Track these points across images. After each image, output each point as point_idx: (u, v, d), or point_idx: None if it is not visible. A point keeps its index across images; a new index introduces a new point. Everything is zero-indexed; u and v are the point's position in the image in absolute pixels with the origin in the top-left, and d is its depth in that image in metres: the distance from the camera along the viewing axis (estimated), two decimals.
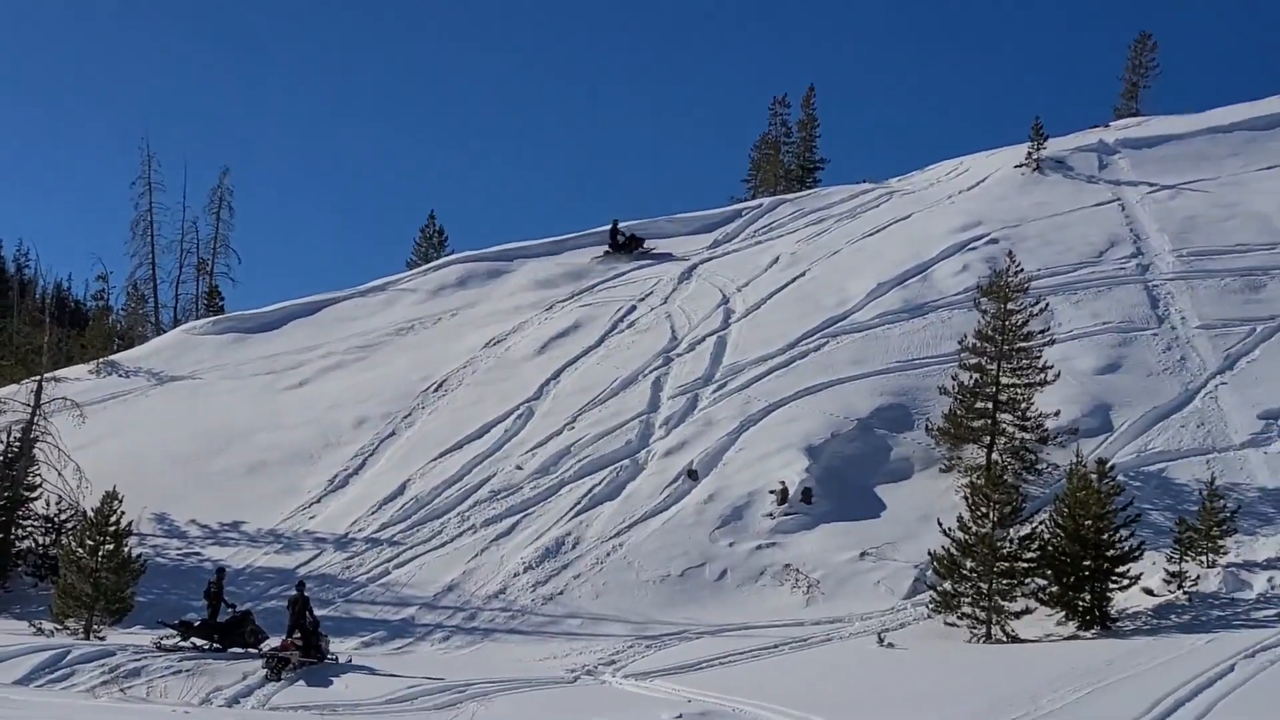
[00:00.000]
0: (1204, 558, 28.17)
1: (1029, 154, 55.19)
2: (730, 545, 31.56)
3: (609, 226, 52.44)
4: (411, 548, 32.37)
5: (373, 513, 33.92)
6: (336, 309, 49.60)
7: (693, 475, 34.06)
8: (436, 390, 40.78)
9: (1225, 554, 28.36)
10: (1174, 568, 27.60)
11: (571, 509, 33.26)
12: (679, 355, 40.98)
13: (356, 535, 33.06)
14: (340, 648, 26.42)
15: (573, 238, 54.50)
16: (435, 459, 36.14)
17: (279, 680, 24.27)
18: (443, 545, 32.43)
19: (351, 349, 45.44)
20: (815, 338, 40.78)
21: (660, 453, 35.37)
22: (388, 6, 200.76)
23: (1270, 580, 27.33)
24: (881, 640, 26.27)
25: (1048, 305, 36.96)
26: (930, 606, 27.38)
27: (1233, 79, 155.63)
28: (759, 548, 31.46)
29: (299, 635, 25.18)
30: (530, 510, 33.51)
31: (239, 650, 25.88)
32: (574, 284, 49.17)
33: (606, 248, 51.68)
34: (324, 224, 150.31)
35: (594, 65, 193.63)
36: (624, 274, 49.42)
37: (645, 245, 51.79)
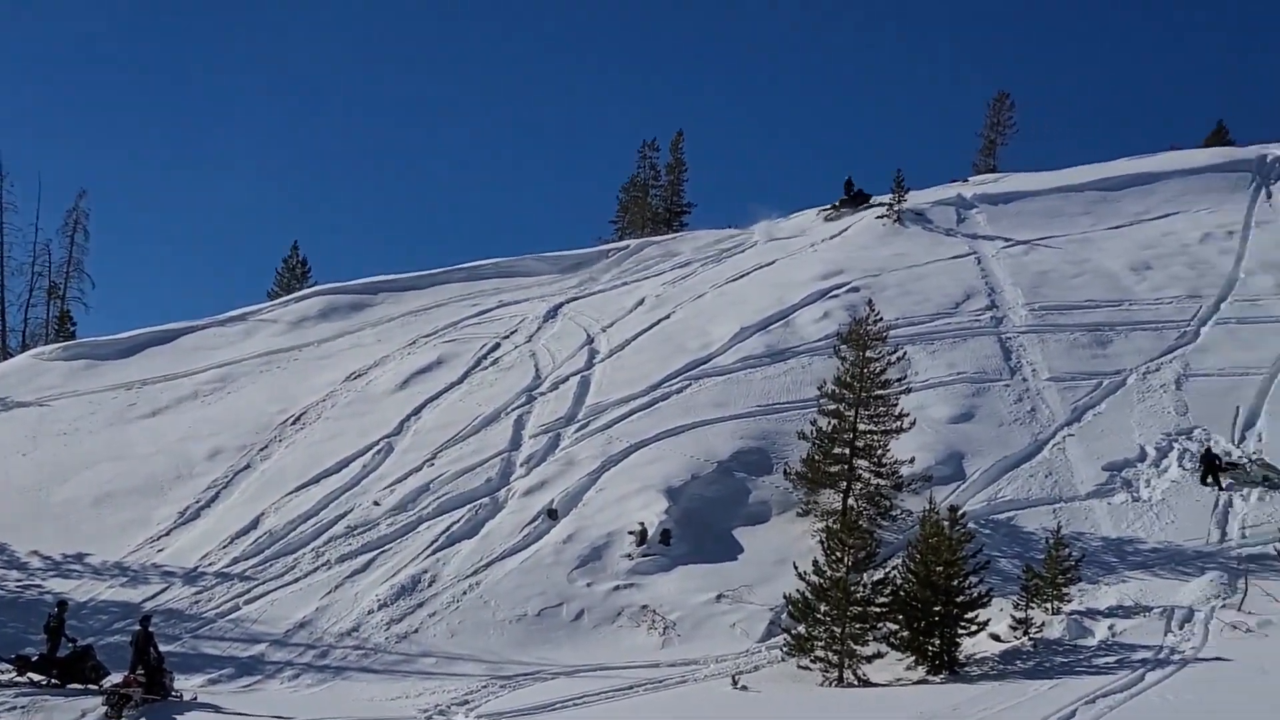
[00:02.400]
0: (1049, 605, 28.81)
1: (890, 206, 56.36)
2: (588, 585, 31.45)
3: (471, 263, 52.97)
4: (263, 583, 31.68)
5: (224, 547, 33.14)
6: (194, 338, 48.59)
7: (552, 515, 33.93)
8: (294, 423, 40.11)
9: (1069, 601, 29.05)
10: (1020, 614, 28.18)
11: (429, 546, 32.87)
12: (542, 394, 40.87)
13: (206, 569, 32.25)
14: (185, 685, 25.72)
15: (439, 273, 54.28)
16: (291, 493, 35.48)
17: (120, 718, 23.52)
18: (296, 581, 31.78)
19: (208, 379, 44.51)
20: (678, 380, 41.00)
21: (520, 491, 35.18)
22: (261, 27, 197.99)
23: (1111, 628, 28.04)
24: (735, 683, 26.37)
25: (905, 354, 37.74)
26: (784, 649, 27.56)
27: (1086, 140, 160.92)
28: (617, 588, 31.40)
29: (142, 671, 24.47)
30: (387, 547, 33.04)
31: (79, 687, 25.04)
32: (440, 318, 48.92)
33: (837, 202, 55.82)
34: (184, 251, 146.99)
35: (462, 100, 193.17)
36: (489, 311, 49.31)
37: (873, 200, 55.80)
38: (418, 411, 40.25)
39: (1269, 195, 59.10)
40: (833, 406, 33.38)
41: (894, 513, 33.04)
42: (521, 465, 36.55)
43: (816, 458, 33.42)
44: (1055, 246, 52.61)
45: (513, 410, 39.76)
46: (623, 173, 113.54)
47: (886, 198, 56.39)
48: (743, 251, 55.78)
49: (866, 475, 33.09)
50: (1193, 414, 38.71)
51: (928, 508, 28.54)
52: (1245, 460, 35.75)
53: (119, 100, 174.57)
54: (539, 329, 46.95)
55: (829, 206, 57.60)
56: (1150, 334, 43.84)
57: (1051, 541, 29.54)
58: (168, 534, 34.08)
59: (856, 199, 56.78)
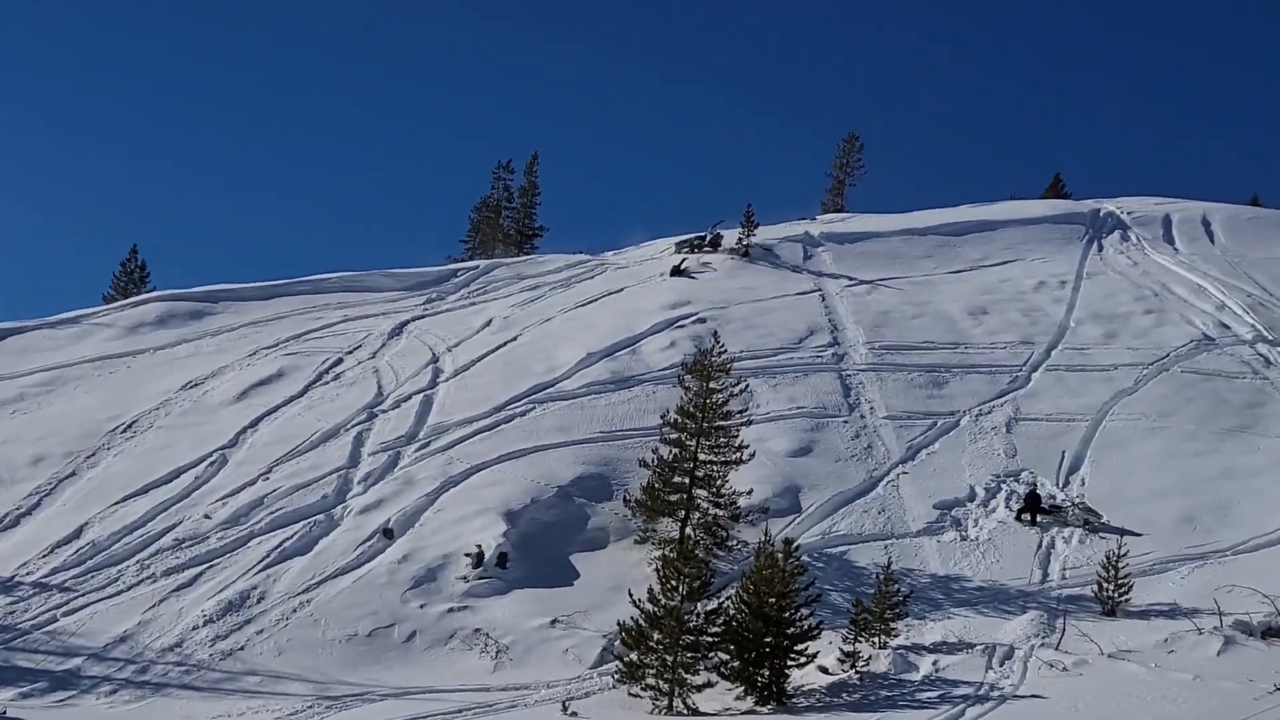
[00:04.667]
0: (877, 639, 29.28)
1: (739, 239, 57.05)
2: (421, 607, 31.11)
3: (316, 276, 52.24)
4: (84, 595, 30.67)
5: (44, 556, 32.03)
6: (21, 339, 47.04)
7: (388, 534, 33.53)
8: (125, 431, 39.03)
9: (896, 636, 29.55)
10: (849, 648, 28.54)
11: (260, 562, 32.21)
12: (383, 411, 40.47)
13: (24, 579, 31.11)
14: None
15: (283, 284, 53.48)
16: (118, 503, 34.49)
17: None
18: (118, 594, 30.85)
19: (35, 382, 43.07)
20: (522, 403, 40.92)
21: (357, 509, 34.72)
22: (112, 22, 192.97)
23: (935, 663, 28.57)
24: (566, 709, 26.28)
25: (748, 386, 38.21)
26: (616, 676, 27.57)
27: (931, 185, 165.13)
28: (450, 611, 31.12)
29: None
30: (216, 561, 32.29)
31: None
32: (281, 330, 48.14)
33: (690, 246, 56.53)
34: (13, 247, 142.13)
35: (316, 109, 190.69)
36: (332, 325, 48.69)
37: (723, 244, 56.68)
38: (255, 424, 39.54)
39: (1100, 248, 61.38)
40: (675, 435, 33.57)
41: (730, 543, 33.33)
42: (359, 483, 36.09)
43: (656, 486, 33.56)
44: (897, 288, 53.83)
45: (353, 427, 39.27)
46: (476, 192, 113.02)
47: (736, 232, 57.13)
48: (592, 278, 55.99)
49: (705, 505, 33.33)
50: (1021, 457, 39.80)
51: (763, 539, 28.78)
52: (1068, 504, 36.85)
53: None
54: (383, 346, 46.50)
55: (686, 245, 57.62)
56: (984, 377, 45.05)
57: (882, 577, 30.01)
58: None
59: (713, 243, 57.41)
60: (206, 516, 34.06)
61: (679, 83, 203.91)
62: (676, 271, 54.21)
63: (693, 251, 56.87)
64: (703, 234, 58.36)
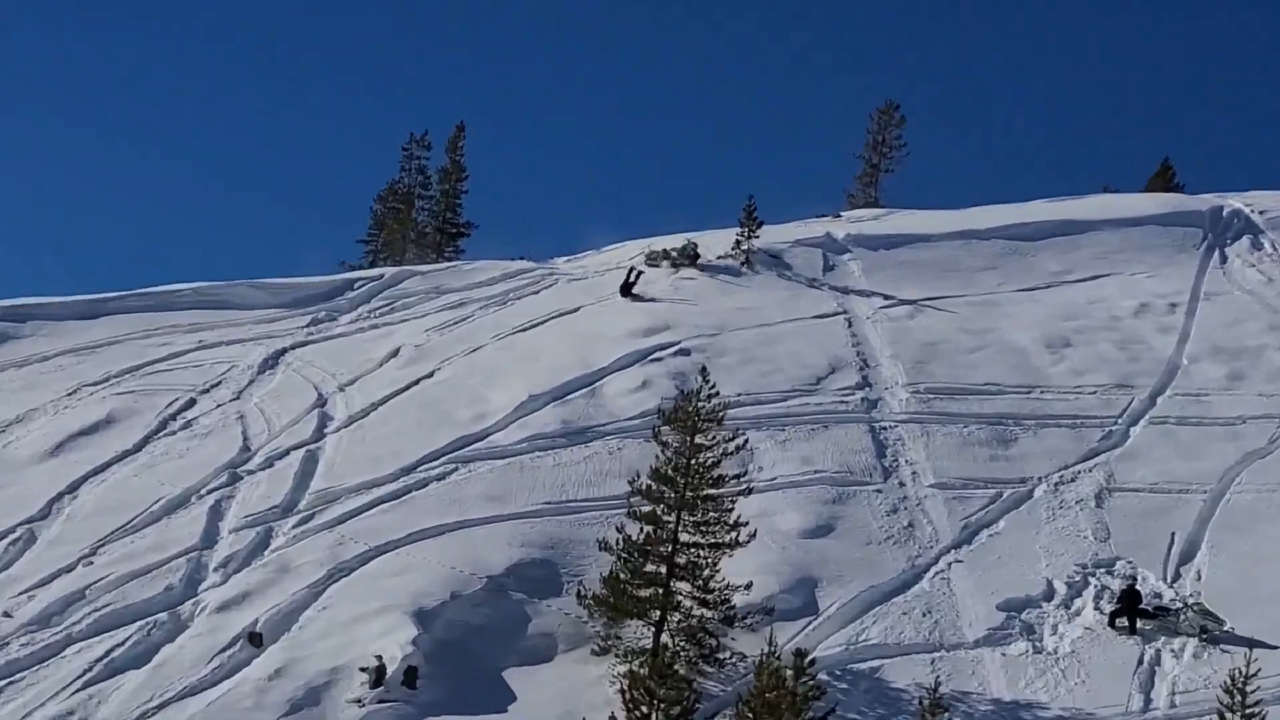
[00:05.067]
0: None
1: (737, 243, 57.13)
2: None
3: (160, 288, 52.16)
4: None
5: None
6: None
7: (255, 640, 33.35)
8: None
9: None
10: None
11: (79, 678, 31.96)
12: (251, 473, 40.37)
13: None
14: None
15: (114, 298, 53.36)
16: None
17: None
18: None
19: None
20: (440, 462, 40.85)
21: (213, 606, 34.53)
22: None
23: None
24: None
25: (747, 442, 38.20)
26: None
27: (996, 173, 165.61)
28: None
29: None
30: (18, 677, 32.06)
31: None
32: (112, 360, 47.99)
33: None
34: None
35: (150, 70, 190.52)
36: (182, 354, 48.55)
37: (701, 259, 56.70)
38: (74, 488, 39.44)
39: (1224, 259, 61.68)
40: (648, 508, 33.52)
41: (721, 655, 33.24)
42: (216, 570, 35.94)
43: (622, 576, 33.48)
44: (950, 310, 54.01)
45: (209, 493, 39.15)
46: (380, 177, 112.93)
47: (733, 233, 57.22)
48: (537, 293, 55.98)
49: (688, 603, 33.25)
50: (1116, 540, 39.86)
51: (767, 650, 28.75)
52: (1179, 605, 36.91)
53: None
54: (252, 382, 46.40)
55: (661, 255, 57.14)
56: (1066, 432, 45.19)
57: (926, 703, 29.96)
58: None
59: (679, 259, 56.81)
60: (7, 615, 33.86)
61: (661, 30, 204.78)
62: (628, 291, 53.86)
63: (674, 267, 56.50)
64: (667, 250, 57.84)
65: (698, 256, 57.32)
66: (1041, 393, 47.62)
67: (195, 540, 36.94)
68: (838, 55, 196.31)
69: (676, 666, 30.46)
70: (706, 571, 33.28)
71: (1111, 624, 36.37)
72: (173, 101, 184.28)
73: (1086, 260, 60.48)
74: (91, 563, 35.95)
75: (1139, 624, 36.34)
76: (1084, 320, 53.76)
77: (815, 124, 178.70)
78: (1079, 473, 43.08)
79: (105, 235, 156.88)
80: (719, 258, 57.24)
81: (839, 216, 67.48)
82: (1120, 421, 46.16)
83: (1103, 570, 38.55)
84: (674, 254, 57.31)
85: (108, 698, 31.63)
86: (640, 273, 55.25)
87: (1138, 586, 37.45)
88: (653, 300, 53.52)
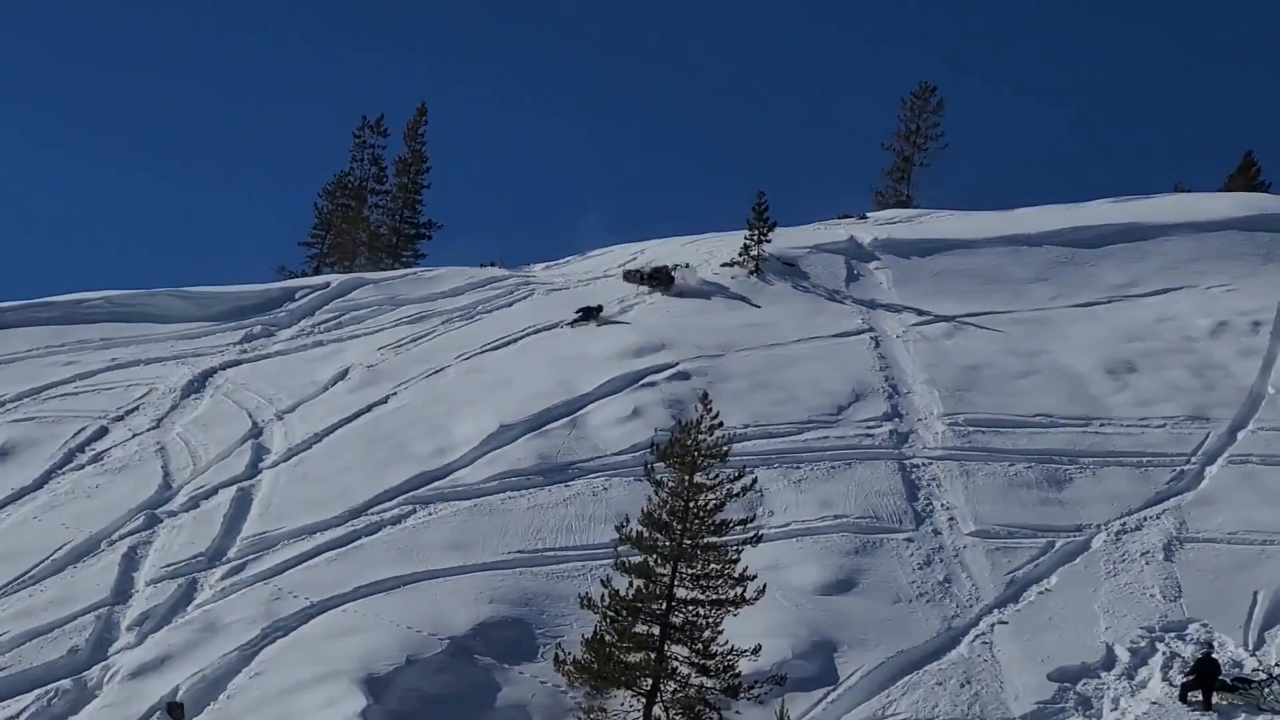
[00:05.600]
0: None
1: (745, 249, 57.21)
2: None
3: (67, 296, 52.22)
4: None
5: None
6: None
7: (176, 712, 33.30)
8: None
9: None
10: None
11: None
12: (172, 514, 40.41)
13: None
14: None
15: (12, 308, 53.47)
16: None
17: None
18: None
19: None
20: (395, 503, 40.89)
21: (126, 671, 34.47)
22: None
23: None
24: None
25: (755, 482, 38.08)
26: None
27: (1048, 169, 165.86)
28: None
29: None
30: None
31: None
32: (9, 381, 48.06)
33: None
34: None
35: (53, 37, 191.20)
36: (93, 374, 48.55)
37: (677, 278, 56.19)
38: None
39: None
40: (639, 559, 33.50)
41: None
42: (130, 629, 35.90)
43: (608, 638, 33.45)
44: (994, 328, 54.11)
45: (121, 538, 39.18)
46: (327, 168, 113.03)
47: (740, 236, 57.29)
48: (509, 305, 56.06)
49: (685, 670, 33.23)
50: (1188, 600, 39.85)
51: None
52: (1264, 676, 36.90)
53: None
54: (174, 409, 46.50)
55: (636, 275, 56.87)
56: (1130, 472, 45.25)
57: None
58: None
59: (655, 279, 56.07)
60: None
61: (661, 4, 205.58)
62: (592, 316, 53.61)
63: (649, 288, 56.01)
64: (641, 270, 57.81)
65: (672, 281, 56.92)
66: (1101, 426, 47.68)
67: (105, 594, 36.92)
68: (864, 32, 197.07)
69: None
70: (707, 633, 33.25)
71: (1183, 698, 36.31)
72: (79, 83, 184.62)
73: (1155, 271, 60.72)
74: None
75: (1215, 698, 36.30)
76: (1151, 341, 53.95)
77: (838, 110, 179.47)
78: (1145, 520, 43.10)
79: (8, 233, 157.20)
80: (724, 265, 57.29)
81: (865, 218, 67.83)
82: (1194, 460, 46.22)
83: (1173, 635, 38.51)
84: (646, 274, 57.47)
85: None
86: (596, 309, 54.60)
87: (1214, 654, 37.41)
88: (618, 323, 53.41)
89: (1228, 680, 36.72)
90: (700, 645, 33.23)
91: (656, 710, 33.09)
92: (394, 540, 39.55)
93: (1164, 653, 37.76)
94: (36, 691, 33.75)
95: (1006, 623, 38.46)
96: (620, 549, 34.24)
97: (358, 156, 76.10)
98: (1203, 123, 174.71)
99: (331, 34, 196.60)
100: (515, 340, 51.63)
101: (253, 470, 42.71)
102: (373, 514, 40.46)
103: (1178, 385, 50.62)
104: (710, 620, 33.30)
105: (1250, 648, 38.33)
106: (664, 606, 33.18)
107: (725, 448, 34.20)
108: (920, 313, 54.89)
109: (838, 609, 38.15)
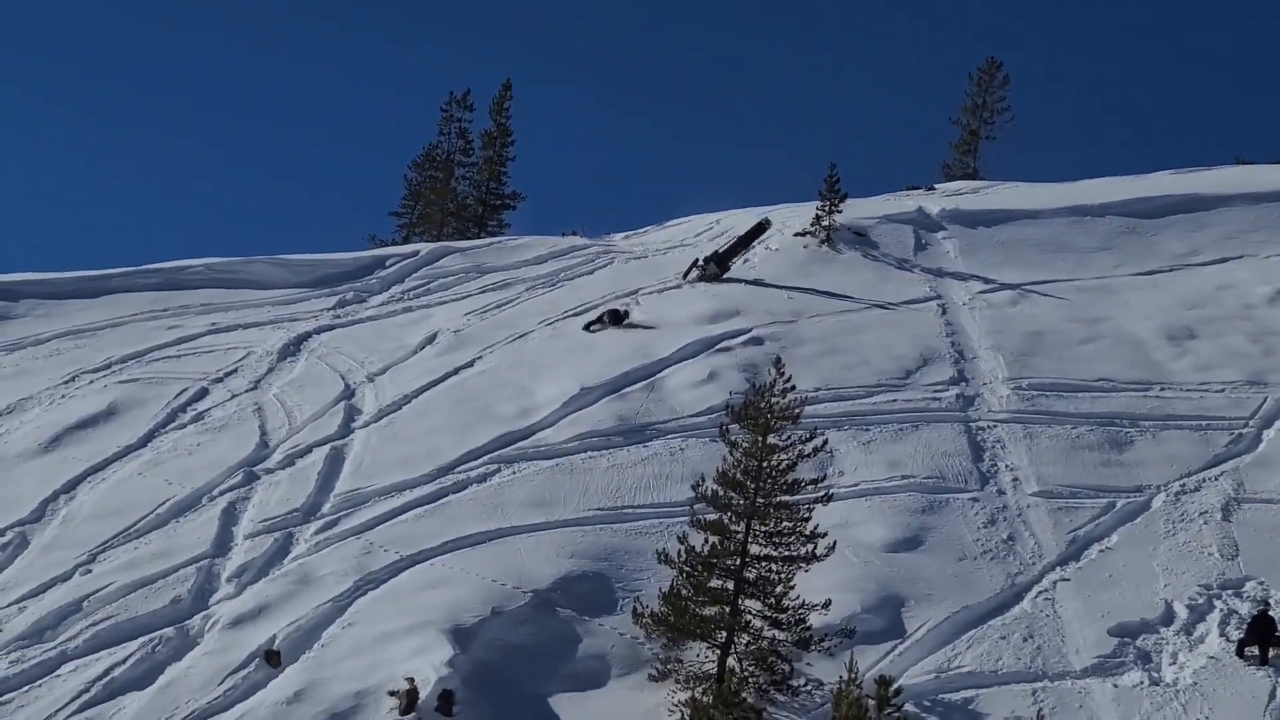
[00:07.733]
0: None
1: (817, 218, 57.12)
2: None
3: (169, 264, 52.34)
4: None
5: None
6: None
7: (273, 659, 33.54)
8: None
9: None
10: None
11: (75, 700, 32.20)
12: (269, 472, 40.68)
13: None
14: None
15: (118, 275, 53.79)
16: None
17: None
18: None
19: None
20: (481, 462, 41.06)
21: (225, 620, 34.75)
22: None
23: None
24: None
25: (826, 443, 38.08)
26: None
27: (1111, 142, 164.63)
28: None
29: None
30: (6, 699, 32.31)
31: None
32: (114, 345, 48.35)
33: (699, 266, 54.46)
34: None
35: (155, 31, 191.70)
36: (193, 337, 48.88)
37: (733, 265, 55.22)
38: (72, 488, 39.79)
39: None
40: (713, 516, 33.55)
41: (795, 682, 33.29)
42: (229, 580, 36.18)
43: (685, 592, 33.52)
44: (1058, 296, 53.90)
45: (221, 494, 39.46)
46: (416, 142, 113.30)
47: (813, 206, 57.15)
48: (591, 273, 56.11)
49: (758, 623, 33.28)
50: (1245, 558, 39.65)
51: (846, 677, 28.78)
52: None
53: None
54: (270, 370, 46.73)
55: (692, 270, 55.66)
56: (1190, 435, 45.07)
57: None
58: None
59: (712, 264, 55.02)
60: None
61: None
62: (616, 321, 51.10)
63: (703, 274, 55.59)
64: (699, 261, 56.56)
65: (624, 318, 52.24)
66: (1162, 390, 47.49)
67: (206, 547, 37.21)
68: (931, 7, 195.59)
69: (744, 694, 30.56)
70: (779, 588, 33.29)
71: (1239, 653, 36.20)
72: (185, 62, 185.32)
73: (1215, 240, 60.28)
74: (90, 571, 36.23)
75: (1271, 653, 36.20)
76: (1211, 309, 53.61)
77: (908, 86, 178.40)
78: (1204, 481, 42.91)
79: (111, 209, 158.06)
80: (796, 234, 57.26)
81: (933, 189, 67.63)
82: (1252, 424, 45.95)
83: (1230, 592, 38.35)
84: (702, 264, 56.09)
85: None
86: (609, 316, 51.83)
87: (1270, 611, 37.28)
88: (635, 327, 51.33)
89: None
90: (773, 599, 33.27)
91: (731, 661, 33.12)
92: (479, 497, 39.78)
93: (1221, 609, 37.62)
94: (141, 639, 34.05)
95: (1068, 580, 38.40)
96: (696, 507, 34.30)
97: (445, 130, 76.28)
98: (1264, 95, 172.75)
99: (424, 10, 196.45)
100: (594, 306, 51.71)
101: (345, 430, 42.98)
102: (459, 472, 40.67)
103: (1236, 351, 50.32)
104: (782, 576, 33.33)
105: None
106: (738, 562, 33.20)
107: (797, 410, 34.19)
108: (986, 281, 54.73)
109: (905, 565, 38.17)
